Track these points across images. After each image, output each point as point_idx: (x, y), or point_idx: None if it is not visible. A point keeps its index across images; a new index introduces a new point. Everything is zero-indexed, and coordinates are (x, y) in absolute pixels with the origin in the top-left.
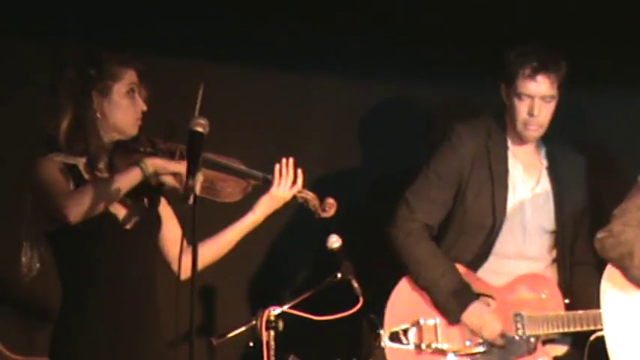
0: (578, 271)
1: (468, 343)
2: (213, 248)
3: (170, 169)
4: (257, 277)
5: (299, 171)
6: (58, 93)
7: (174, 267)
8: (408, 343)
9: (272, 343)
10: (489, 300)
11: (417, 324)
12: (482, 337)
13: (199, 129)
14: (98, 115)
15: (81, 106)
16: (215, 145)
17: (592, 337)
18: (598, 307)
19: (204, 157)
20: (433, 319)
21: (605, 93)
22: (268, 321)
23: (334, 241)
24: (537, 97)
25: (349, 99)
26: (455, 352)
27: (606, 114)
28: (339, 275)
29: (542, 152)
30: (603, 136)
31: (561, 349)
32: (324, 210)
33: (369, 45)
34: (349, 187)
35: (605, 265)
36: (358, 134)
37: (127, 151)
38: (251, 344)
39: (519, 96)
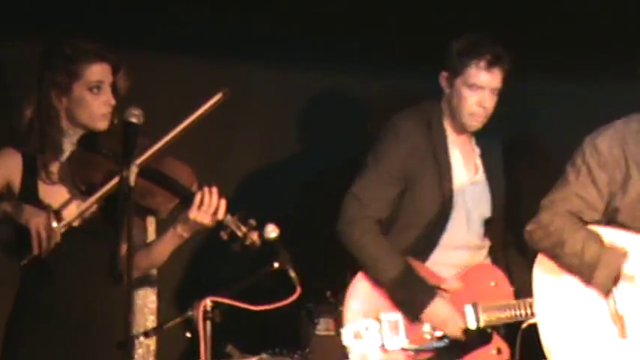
0: (511, 255)
1: (429, 338)
2: (149, 257)
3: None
4: (193, 268)
5: (222, 202)
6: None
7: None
8: (370, 340)
9: (209, 333)
10: (446, 294)
11: (378, 320)
12: (445, 333)
13: (133, 120)
14: (60, 109)
15: (42, 100)
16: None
17: (524, 326)
18: (528, 291)
19: (150, 167)
20: (394, 315)
21: (537, 84)
22: (205, 311)
23: (271, 231)
24: (488, 88)
25: (285, 91)
26: (415, 348)
27: (537, 105)
28: (276, 265)
29: (473, 140)
30: (535, 128)
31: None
32: (244, 244)
33: (304, 37)
34: (285, 179)
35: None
36: (294, 127)
37: (88, 148)
38: (188, 335)
39: (471, 86)
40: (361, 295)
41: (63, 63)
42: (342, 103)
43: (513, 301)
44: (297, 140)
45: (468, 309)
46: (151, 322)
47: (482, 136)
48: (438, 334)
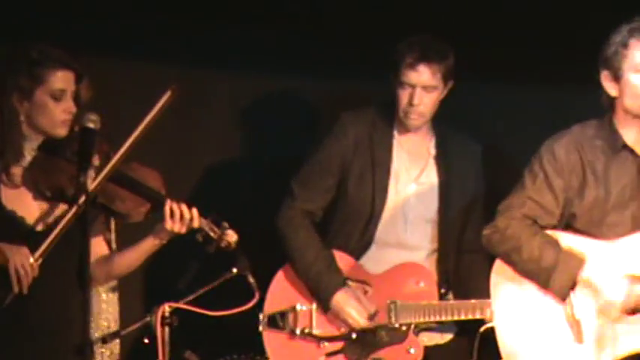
0: (467, 260)
1: (342, 330)
2: (118, 264)
3: None
4: (151, 273)
5: (194, 210)
6: None
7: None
8: (284, 328)
9: (167, 339)
10: (366, 287)
11: (293, 309)
12: (348, 324)
13: (91, 125)
14: (21, 113)
15: (3, 103)
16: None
17: (482, 329)
18: (487, 296)
19: (118, 172)
20: (309, 305)
21: (503, 88)
22: (163, 317)
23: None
24: (418, 86)
25: (237, 91)
26: (328, 338)
27: (501, 109)
28: (235, 270)
29: (432, 142)
30: (499, 131)
31: (443, 338)
32: (219, 246)
33: (255, 37)
34: (238, 179)
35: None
36: (246, 127)
37: (51, 154)
38: (146, 341)
39: (402, 84)
40: (282, 285)
41: (28, 66)
42: (297, 102)
43: (434, 302)
44: (248, 142)
45: (387, 305)
46: (112, 327)
47: (453, 138)
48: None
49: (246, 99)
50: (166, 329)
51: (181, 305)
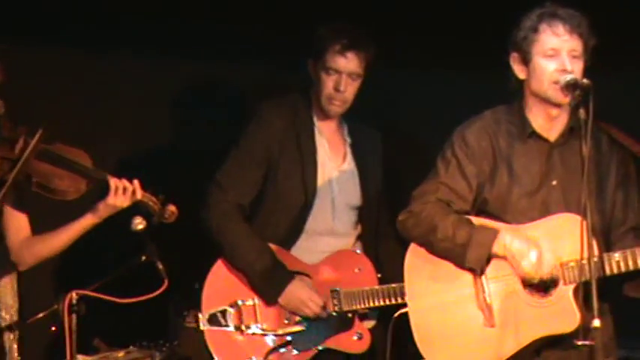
0: (383, 244)
1: (286, 322)
2: (52, 244)
3: None
4: (58, 260)
5: (135, 182)
6: None
7: (13, 257)
8: (227, 325)
9: (75, 327)
10: (305, 278)
11: (235, 305)
12: (304, 315)
13: None
14: None
15: None
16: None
17: (396, 314)
18: (402, 281)
19: (44, 149)
20: (251, 300)
21: (415, 77)
22: (71, 305)
23: (138, 223)
24: (345, 73)
25: (161, 79)
26: (274, 332)
27: (414, 97)
28: (143, 257)
29: (345, 129)
30: (412, 119)
31: (369, 324)
32: (163, 216)
33: (180, 26)
34: (160, 167)
35: None
36: (170, 115)
37: None
38: (53, 329)
39: (327, 70)
40: (220, 281)
41: None
42: (222, 90)
43: (377, 288)
44: (173, 130)
45: (330, 293)
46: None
47: (357, 126)
48: (296, 318)
49: (169, 88)
50: (74, 317)
51: (89, 292)
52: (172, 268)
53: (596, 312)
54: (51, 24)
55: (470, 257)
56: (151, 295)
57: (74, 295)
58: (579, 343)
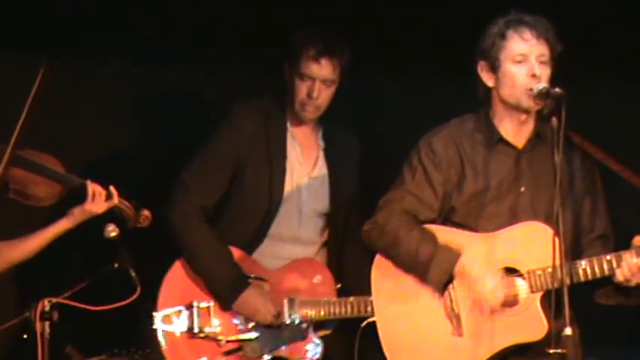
0: (350, 250)
1: (240, 328)
2: (23, 249)
3: None
4: (30, 267)
5: (111, 188)
6: None
7: None
8: (181, 326)
9: (47, 334)
10: (262, 284)
11: (190, 307)
12: (256, 322)
13: None
14: None
15: None
16: None
17: (364, 323)
18: (368, 286)
19: (20, 156)
20: (207, 303)
21: (389, 84)
22: (43, 312)
23: (111, 231)
24: (319, 79)
25: (131, 85)
26: (226, 337)
27: (386, 105)
28: (116, 265)
29: (320, 133)
30: (382, 127)
31: (324, 333)
32: (137, 221)
33: (149, 33)
34: (128, 173)
35: None
36: (139, 120)
37: None
38: (25, 337)
39: (301, 76)
40: (177, 282)
41: None
42: (189, 96)
43: (334, 299)
44: (140, 135)
45: (286, 302)
46: None
47: (333, 130)
48: (250, 325)
49: (135, 91)
50: (46, 324)
51: (61, 300)
52: (146, 275)
53: (567, 320)
54: (19, 32)
55: (431, 277)
56: (123, 303)
57: (46, 302)
58: (551, 351)
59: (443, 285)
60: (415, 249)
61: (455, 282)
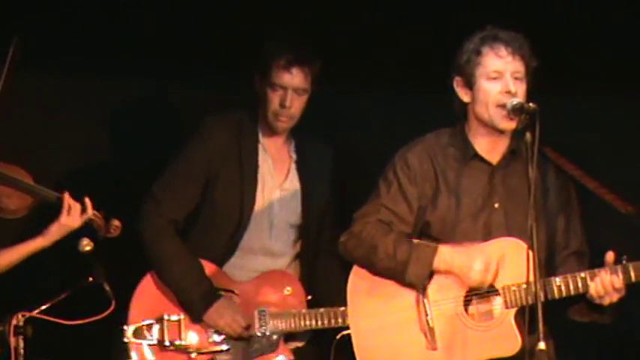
0: (323, 261)
1: (211, 341)
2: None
3: None
4: (3, 281)
5: (87, 200)
6: None
7: None
8: (152, 339)
9: (21, 349)
10: (233, 296)
11: (160, 320)
12: (226, 334)
13: None
14: None
15: None
16: None
17: (339, 336)
18: (341, 297)
19: None
20: (177, 316)
21: (364, 96)
22: (17, 326)
23: (85, 245)
24: (290, 88)
25: (103, 96)
26: (197, 350)
27: (361, 116)
28: (91, 279)
29: (292, 146)
30: (357, 138)
31: (294, 345)
32: (108, 231)
33: (121, 43)
34: (99, 185)
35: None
36: (110, 131)
37: None
38: None
39: (273, 86)
40: (148, 294)
41: None
42: (161, 108)
43: (304, 310)
44: (113, 146)
45: (256, 314)
46: None
47: (306, 142)
48: (220, 338)
49: (107, 103)
50: (20, 339)
51: (36, 314)
52: (120, 289)
53: (541, 335)
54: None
55: (410, 274)
56: (98, 317)
57: (20, 316)
58: None
59: (424, 280)
60: (393, 249)
61: (430, 293)
